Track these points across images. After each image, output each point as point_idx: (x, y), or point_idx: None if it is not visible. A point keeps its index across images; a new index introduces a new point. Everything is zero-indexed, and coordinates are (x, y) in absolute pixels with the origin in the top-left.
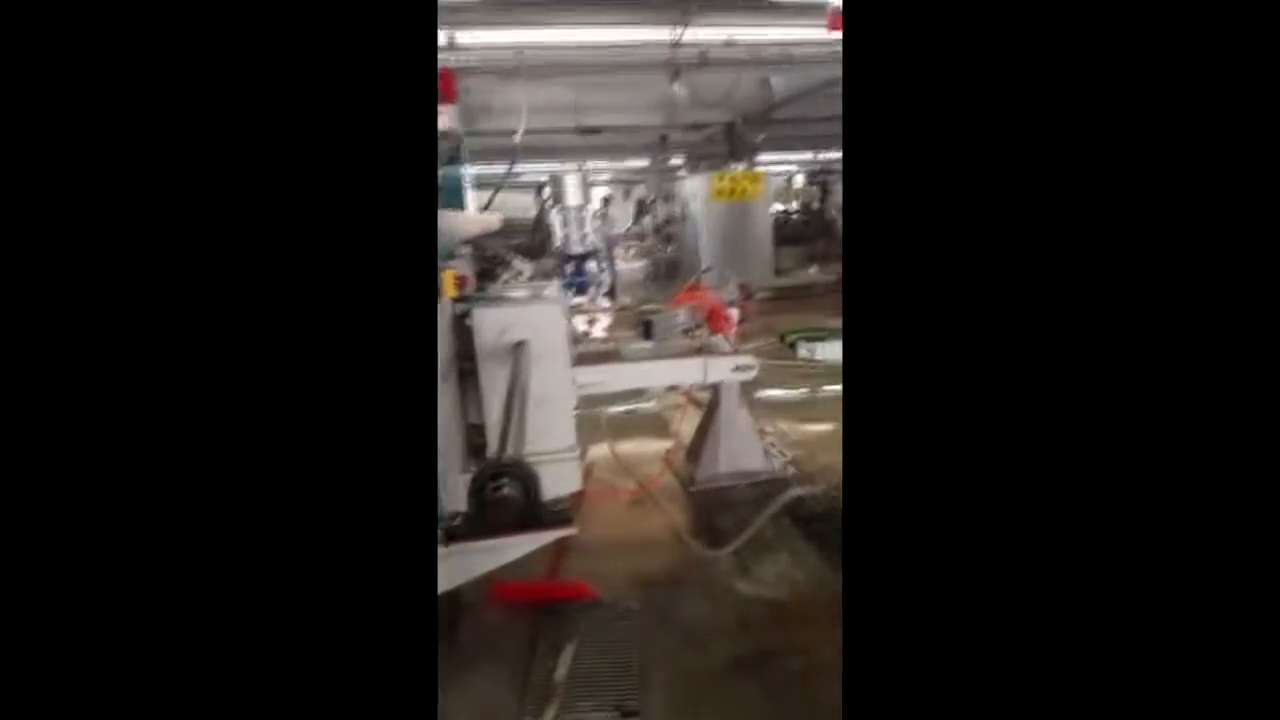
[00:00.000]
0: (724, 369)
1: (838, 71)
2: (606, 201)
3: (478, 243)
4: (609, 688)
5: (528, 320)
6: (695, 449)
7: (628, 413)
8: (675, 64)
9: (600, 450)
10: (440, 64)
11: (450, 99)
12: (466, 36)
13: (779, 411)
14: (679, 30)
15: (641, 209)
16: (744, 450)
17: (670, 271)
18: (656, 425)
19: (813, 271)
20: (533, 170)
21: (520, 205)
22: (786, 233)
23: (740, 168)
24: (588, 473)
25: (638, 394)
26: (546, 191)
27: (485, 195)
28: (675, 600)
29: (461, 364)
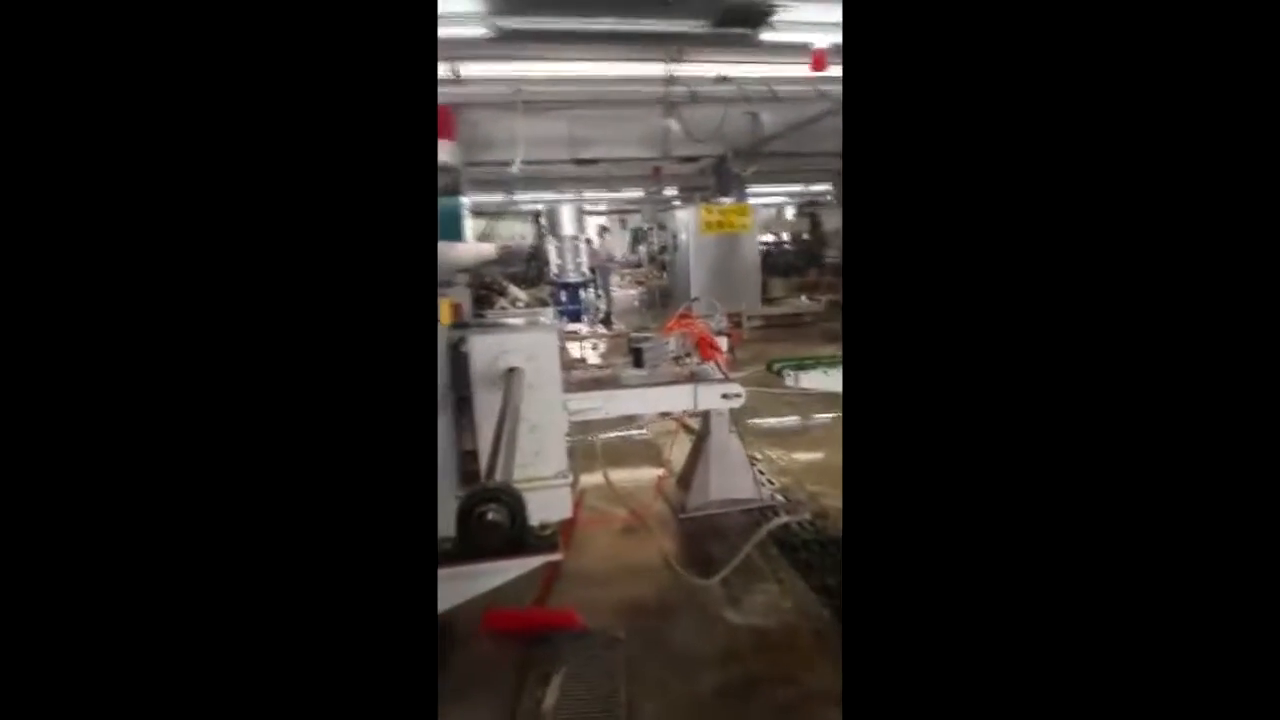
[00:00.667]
0: (713, 396)
1: (821, 108)
2: (603, 231)
3: (474, 271)
4: (597, 717)
5: (522, 347)
6: (686, 476)
7: (622, 438)
8: (669, 99)
9: (593, 479)
10: (442, 99)
11: (450, 136)
12: (467, 69)
13: (768, 439)
14: (672, 67)
15: (637, 238)
16: (735, 478)
17: (664, 299)
18: (649, 453)
19: (803, 300)
20: (530, 201)
21: (518, 233)
22: (777, 263)
23: (729, 201)
24: (579, 501)
25: (630, 420)
26: (543, 221)
27: (482, 223)
28: (664, 629)
29: (457, 390)
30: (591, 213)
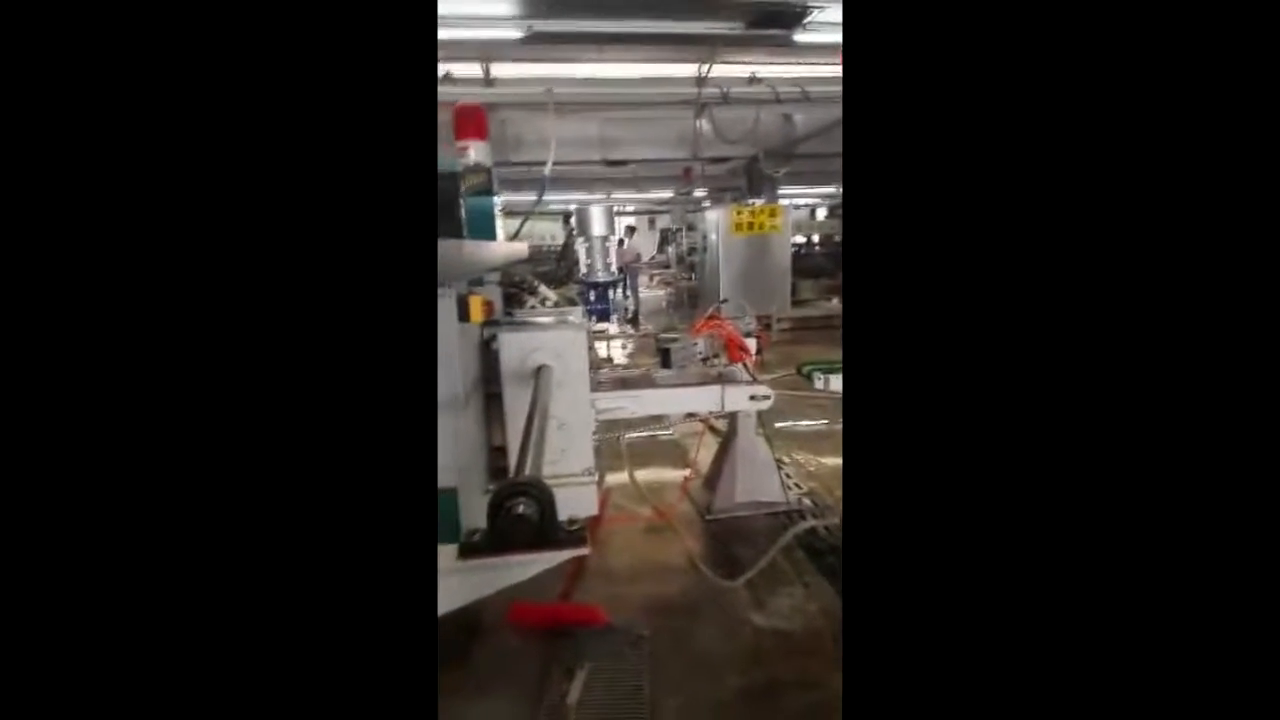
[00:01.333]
0: (741, 398)
1: None
2: (631, 230)
3: (506, 270)
4: (620, 714)
5: (551, 345)
6: (712, 478)
7: (648, 438)
8: (700, 100)
9: (619, 478)
10: (474, 99)
11: (482, 136)
12: (500, 70)
13: (796, 442)
14: (705, 67)
15: (665, 239)
16: (761, 481)
17: (693, 300)
18: (675, 453)
19: (834, 303)
20: (561, 201)
21: (549, 232)
22: (808, 265)
23: (759, 202)
24: (605, 499)
25: (657, 420)
26: (573, 221)
27: (514, 223)
28: (689, 628)
29: (487, 387)
30: (621, 213)
